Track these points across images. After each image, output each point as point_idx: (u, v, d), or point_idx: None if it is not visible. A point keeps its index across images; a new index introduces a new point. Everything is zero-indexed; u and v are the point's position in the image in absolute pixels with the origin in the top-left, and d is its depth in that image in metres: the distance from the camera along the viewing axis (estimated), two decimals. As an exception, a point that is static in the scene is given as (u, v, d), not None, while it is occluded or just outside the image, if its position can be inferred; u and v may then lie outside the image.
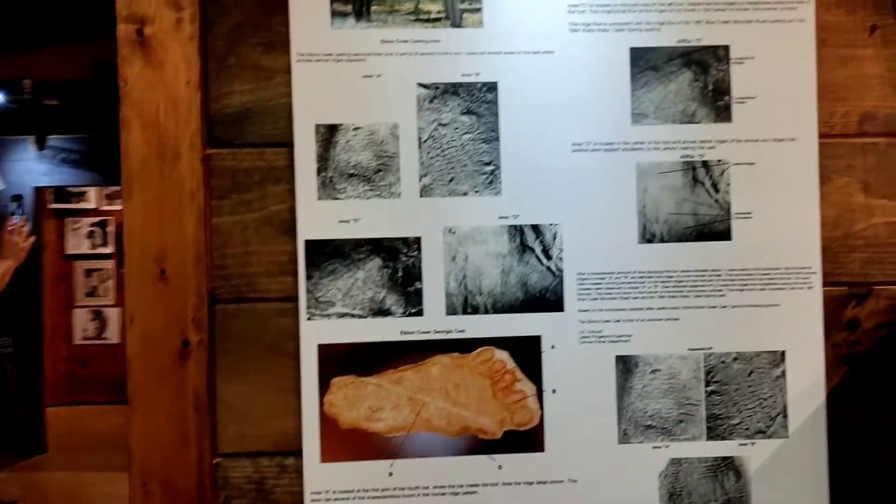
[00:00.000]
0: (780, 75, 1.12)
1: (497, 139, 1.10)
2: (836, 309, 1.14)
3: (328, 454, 1.08)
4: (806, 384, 1.12)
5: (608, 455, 1.11)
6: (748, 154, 1.12)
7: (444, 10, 1.10)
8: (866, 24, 1.14)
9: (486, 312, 1.10)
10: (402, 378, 1.09)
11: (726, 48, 1.12)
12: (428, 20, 1.10)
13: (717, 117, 1.12)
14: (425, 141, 1.09)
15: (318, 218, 1.09)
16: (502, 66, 1.10)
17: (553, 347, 1.10)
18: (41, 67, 3.81)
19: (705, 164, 1.11)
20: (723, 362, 1.12)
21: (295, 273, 1.09)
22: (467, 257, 1.10)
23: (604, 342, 1.11)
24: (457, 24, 1.10)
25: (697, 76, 1.11)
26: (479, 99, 1.10)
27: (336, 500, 1.08)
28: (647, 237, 1.11)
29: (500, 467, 1.10)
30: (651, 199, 1.11)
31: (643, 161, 1.11)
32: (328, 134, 1.09)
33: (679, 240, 1.11)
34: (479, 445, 1.10)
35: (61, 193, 6.77)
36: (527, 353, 1.10)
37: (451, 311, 1.10)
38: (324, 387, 1.08)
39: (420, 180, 1.09)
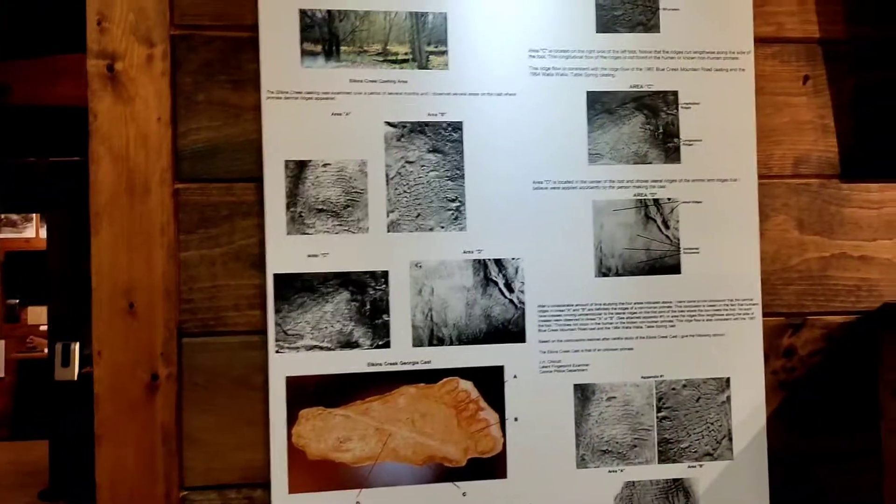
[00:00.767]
0: (723, 120, 1.20)
1: (462, 177, 1.14)
2: (775, 338, 1.22)
3: (296, 485, 1.10)
4: (749, 409, 1.20)
5: (567, 480, 1.16)
6: (695, 193, 1.19)
7: (410, 53, 1.14)
8: (800, 74, 1.23)
9: (451, 344, 1.14)
10: (369, 409, 1.12)
11: (675, 94, 1.19)
12: (395, 61, 1.14)
13: (666, 158, 1.19)
14: (393, 178, 1.13)
15: (287, 252, 1.11)
16: (467, 107, 1.15)
17: (515, 377, 1.15)
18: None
19: (656, 202, 1.18)
20: (673, 389, 1.18)
21: (263, 307, 1.10)
22: (433, 290, 1.13)
23: (563, 371, 1.16)
24: (423, 66, 1.14)
25: (649, 119, 1.18)
26: (444, 138, 1.14)
27: (304, 530, 1.10)
28: (604, 271, 1.17)
29: (464, 494, 1.13)
30: (607, 235, 1.17)
31: (599, 199, 1.17)
32: (297, 170, 1.11)
33: (633, 273, 1.18)
34: (444, 473, 1.13)
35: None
36: (490, 382, 1.14)
37: (418, 342, 1.13)
38: (292, 418, 1.10)
39: (388, 216, 1.13)
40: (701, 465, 1.19)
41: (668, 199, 1.19)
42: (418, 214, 1.13)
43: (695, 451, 1.18)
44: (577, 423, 1.16)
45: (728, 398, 1.19)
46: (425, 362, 1.13)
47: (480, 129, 1.15)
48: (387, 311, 1.12)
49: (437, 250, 1.14)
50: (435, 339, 1.13)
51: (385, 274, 1.12)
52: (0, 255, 7.12)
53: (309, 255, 1.11)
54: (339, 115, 1.12)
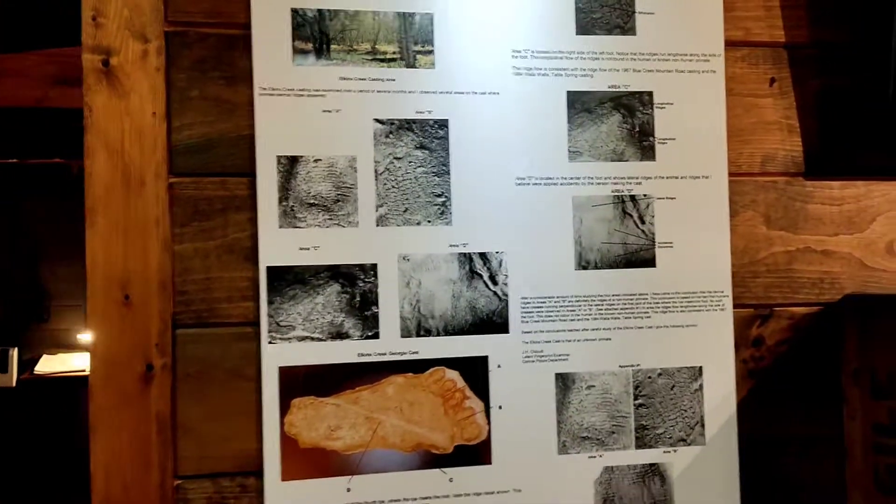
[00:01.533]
0: (695, 119, 1.26)
1: (448, 173, 1.18)
2: (744, 328, 1.28)
3: (288, 473, 1.12)
4: (720, 396, 1.26)
5: (549, 465, 1.20)
6: (670, 189, 1.25)
7: (398, 52, 1.17)
8: (767, 76, 1.30)
9: (438, 335, 1.17)
10: (359, 398, 1.15)
11: (650, 94, 1.25)
12: (384, 60, 1.17)
13: (642, 156, 1.24)
14: (381, 173, 1.16)
15: (279, 245, 1.13)
16: (452, 105, 1.19)
17: (499, 367, 1.19)
18: None
19: (633, 198, 1.23)
20: (649, 377, 1.23)
21: (255, 298, 1.13)
22: (420, 283, 1.17)
23: (545, 361, 1.20)
24: (411, 65, 1.18)
25: (626, 118, 1.24)
26: (431, 135, 1.18)
27: (295, 517, 1.13)
28: (583, 264, 1.22)
29: (451, 480, 1.17)
30: (586, 230, 1.22)
31: (579, 195, 1.22)
32: (289, 165, 1.14)
33: (611, 266, 1.23)
34: (431, 460, 1.17)
35: None
36: (475, 372, 1.18)
37: (406, 333, 1.16)
38: (284, 408, 1.13)
39: (376, 210, 1.16)
40: (675, 451, 1.24)
41: (644, 195, 1.24)
42: (406, 209, 1.17)
43: (669, 437, 1.24)
44: (559, 410, 1.21)
45: (701, 386, 1.25)
46: (413, 353, 1.17)
47: (465, 127, 1.19)
48: (376, 303, 1.16)
49: (424, 244, 1.17)
50: (422, 331, 1.17)
51: (374, 267, 1.16)
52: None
53: (300, 249, 1.14)
54: (330, 112, 1.15)
